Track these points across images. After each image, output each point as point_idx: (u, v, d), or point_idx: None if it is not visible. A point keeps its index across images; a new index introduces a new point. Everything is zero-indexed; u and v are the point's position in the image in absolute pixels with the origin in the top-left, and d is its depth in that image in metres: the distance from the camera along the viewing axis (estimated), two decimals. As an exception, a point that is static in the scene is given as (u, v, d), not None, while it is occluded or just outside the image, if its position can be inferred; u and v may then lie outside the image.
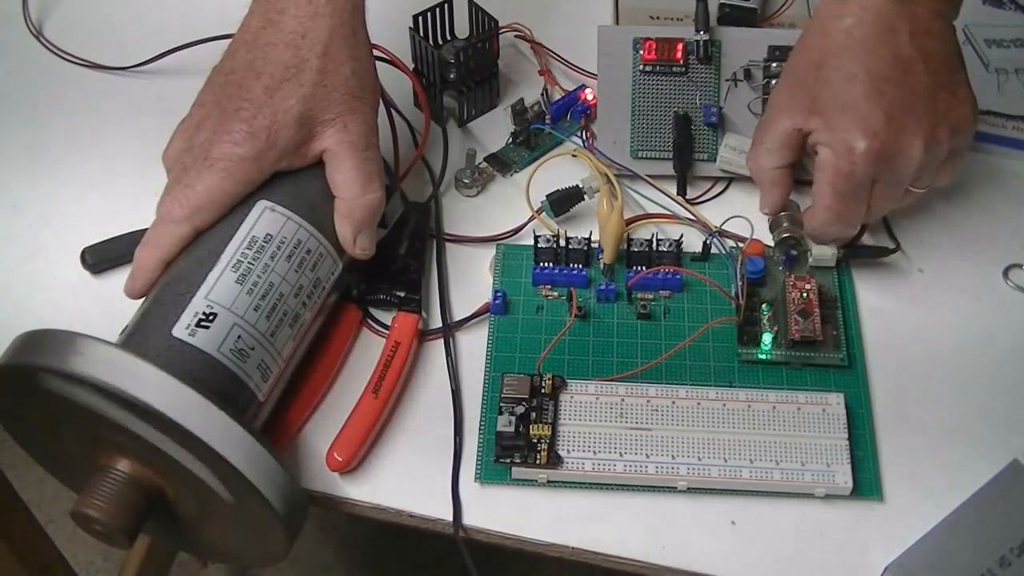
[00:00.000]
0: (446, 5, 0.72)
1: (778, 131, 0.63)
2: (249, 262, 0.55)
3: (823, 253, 0.64)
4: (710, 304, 0.64)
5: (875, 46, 0.59)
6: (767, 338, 0.62)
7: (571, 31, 0.77)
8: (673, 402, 0.59)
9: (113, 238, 0.66)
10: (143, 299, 0.57)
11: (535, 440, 0.57)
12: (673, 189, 0.69)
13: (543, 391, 0.59)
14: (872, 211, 0.62)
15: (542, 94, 0.74)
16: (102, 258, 0.66)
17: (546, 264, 0.65)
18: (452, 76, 0.72)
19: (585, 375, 0.61)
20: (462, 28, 0.74)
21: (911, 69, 0.59)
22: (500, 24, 0.71)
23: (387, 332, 0.62)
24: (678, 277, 0.65)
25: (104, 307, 0.60)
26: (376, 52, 0.64)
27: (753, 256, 0.64)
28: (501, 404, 0.58)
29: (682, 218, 0.68)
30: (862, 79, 0.59)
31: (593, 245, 0.65)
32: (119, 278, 0.59)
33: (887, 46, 0.59)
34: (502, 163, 0.72)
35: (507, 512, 0.57)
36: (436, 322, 0.64)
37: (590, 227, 0.66)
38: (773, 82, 0.69)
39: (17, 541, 0.87)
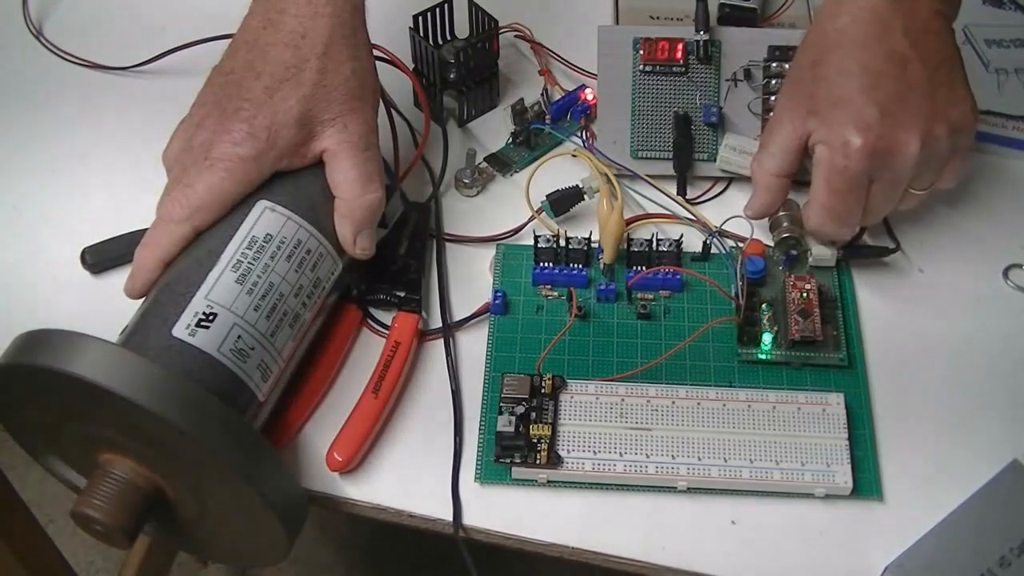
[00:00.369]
0: (446, 5, 0.72)
1: (780, 135, 0.63)
2: (249, 262, 0.55)
3: (823, 253, 0.64)
4: (710, 304, 0.64)
5: (869, 42, 0.59)
6: (767, 338, 0.62)
7: (571, 31, 0.77)
8: (673, 402, 0.59)
9: (113, 238, 0.66)
10: (143, 299, 0.57)
11: (535, 440, 0.57)
12: (673, 189, 0.69)
13: (543, 391, 0.59)
14: (871, 212, 0.62)
15: (542, 94, 0.74)
16: (102, 258, 0.66)
17: (546, 264, 0.65)
18: (452, 76, 0.72)
19: (585, 375, 0.61)
20: (462, 28, 0.74)
21: (907, 65, 0.59)
22: (500, 24, 0.71)
23: (387, 332, 0.62)
24: (678, 277, 0.65)
25: (104, 307, 0.60)
26: (376, 52, 0.64)
27: (753, 256, 0.64)
28: (501, 404, 0.58)
29: (682, 218, 0.68)
30: (856, 74, 0.59)
31: (593, 245, 0.65)
32: (119, 278, 0.59)
33: (882, 42, 0.59)
34: (502, 163, 0.72)
35: (507, 512, 0.57)
36: (436, 322, 0.64)
37: (590, 227, 0.66)
38: (773, 82, 0.69)
39: (17, 541, 0.87)
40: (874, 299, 0.65)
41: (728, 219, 0.66)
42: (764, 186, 0.64)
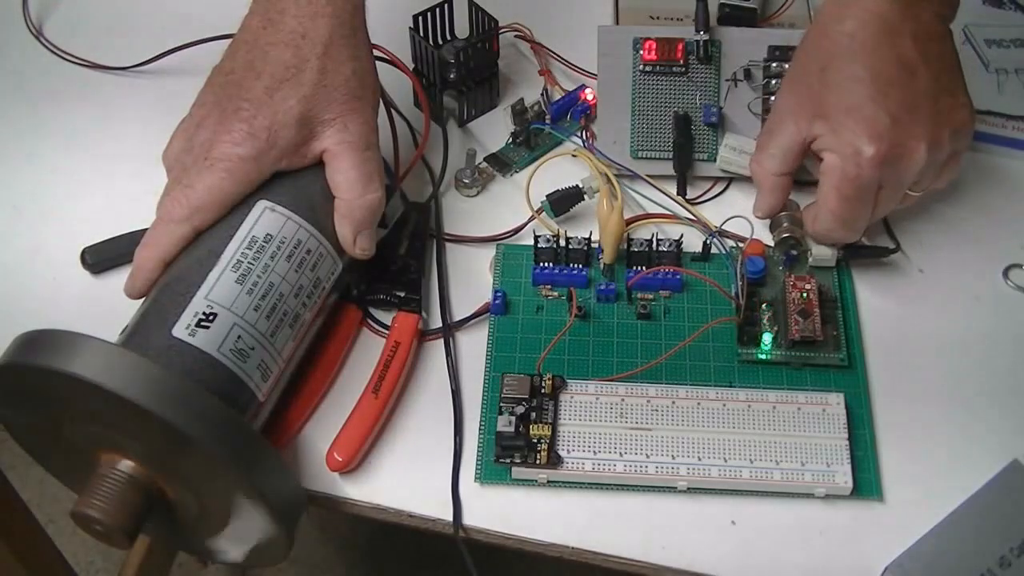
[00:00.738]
0: (446, 5, 0.72)
1: (783, 136, 0.63)
2: (249, 262, 0.55)
3: (823, 253, 0.64)
4: (710, 304, 0.64)
5: (878, 48, 0.59)
6: (767, 338, 0.62)
7: (571, 31, 0.77)
8: (673, 402, 0.59)
9: (113, 238, 0.66)
10: (143, 299, 0.57)
11: (535, 440, 0.57)
12: (673, 189, 0.69)
13: (543, 391, 0.59)
14: (872, 214, 0.62)
15: (542, 94, 0.74)
16: (102, 258, 0.66)
17: (546, 264, 0.65)
18: (452, 76, 0.72)
19: (585, 375, 0.61)
20: (462, 28, 0.74)
21: (914, 72, 0.59)
22: (500, 24, 0.71)
23: (387, 332, 0.62)
24: (678, 277, 0.65)
25: (104, 307, 0.60)
26: (376, 52, 0.64)
27: (753, 256, 0.64)
28: (501, 404, 0.58)
29: (682, 218, 0.68)
30: (866, 82, 0.59)
31: (593, 245, 0.65)
32: (119, 278, 0.59)
33: (890, 48, 0.59)
34: (502, 163, 0.72)
35: (507, 512, 0.57)
36: (436, 322, 0.64)
37: (590, 227, 0.66)
38: (773, 82, 0.69)
39: (17, 541, 0.87)
40: (874, 299, 0.65)
41: (728, 219, 0.66)
42: (769, 187, 0.64)
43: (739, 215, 0.66)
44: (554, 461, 0.57)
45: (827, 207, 0.61)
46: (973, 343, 0.63)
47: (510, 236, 0.68)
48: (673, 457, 0.57)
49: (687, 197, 0.69)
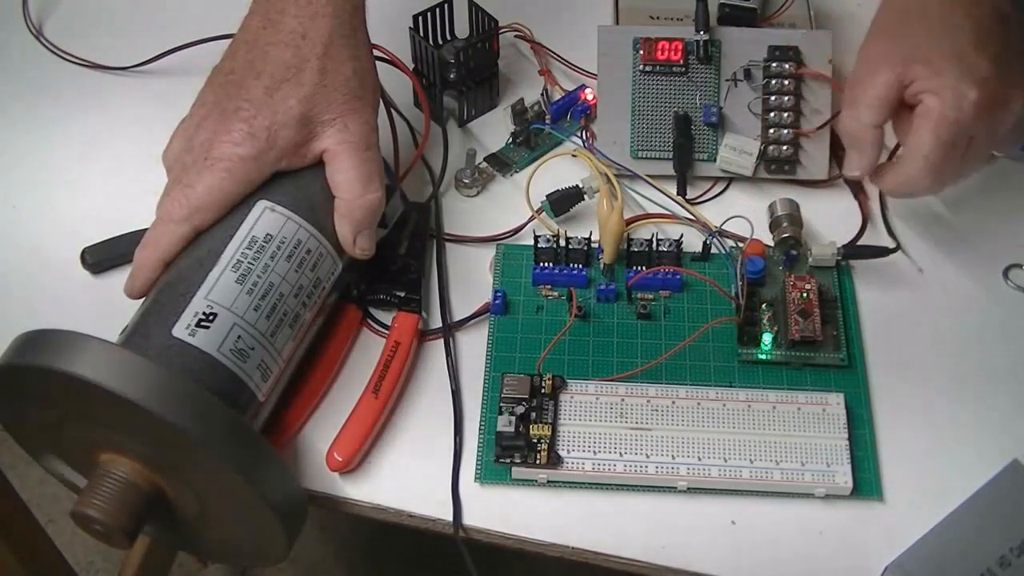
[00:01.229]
0: (446, 5, 0.72)
1: (879, 83, 0.61)
2: (249, 262, 0.55)
3: (823, 253, 0.64)
4: (710, 304, 0.64)
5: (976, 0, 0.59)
6: (767, 338, 0.62)
7: (571, 31, 0.77)
8: (673, 402, 0.59)
9: (113, 238, 0.66)
10: (143, 299, 0.57)
11: (535, 440, 0.57)
12: (673, 189, 0.69)
13: (543, 391, 0.59)
14: (959, 168, 0.61)
15: (542, 94, 0.74)
16: (102, 258, 0.66)
17: (546, 264, 0.65)
18: (452, 76, 0.72)
19: (585, 375, 0.61)
20: (462, 28, 0.74)
21: (1010, 25, 0.59)
22: (500, 24, 0.71)
23: (387, 332, 0.62)
24: (678, 277, 0.65)
25: (104, 307, 0.60)
26: (376, 52, 0.64)
27: (753, 256, 0.64)
28: (501, 404, 0.58)
29: (682, 218, 0.68)
30: (967, 29, 0.59)
31: (593, 245, 0.65)
32: (119, 278, 0.59)
33: (986, 1, 0.59)
34: (502, 163, 0.72)
35: (507, 512, 0.57)
36: (436, 322, 0.64)
37: (590, 227, 0.66)
38: (773, 82, 0.69)
39: (17, 541, 0.87)
40: (874, 299, 0.65)
41: (728, 219, 0.66)
42: (869, 141, 0.63)
43: (739, 215, 0.66)
44: (554, 461, 0.57)
45: (920, 152, 0.60)
46: (973, 343, 0.63)
47: (510, 236, 0.68)
48: (673, 457, 0.57)
49: (687, 197, 0.69)
